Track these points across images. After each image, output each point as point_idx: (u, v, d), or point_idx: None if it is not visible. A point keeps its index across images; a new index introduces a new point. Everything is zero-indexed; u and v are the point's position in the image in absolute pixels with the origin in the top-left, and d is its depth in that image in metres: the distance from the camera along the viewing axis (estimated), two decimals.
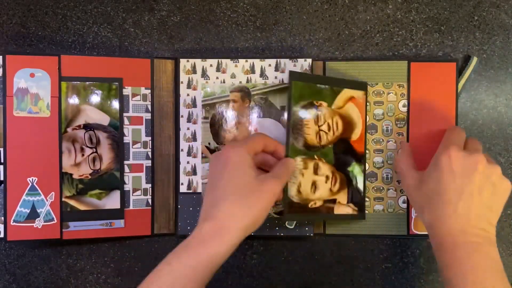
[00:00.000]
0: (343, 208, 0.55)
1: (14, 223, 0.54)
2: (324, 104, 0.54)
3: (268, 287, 0.59)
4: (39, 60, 0.54)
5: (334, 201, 0.55)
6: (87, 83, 0.55)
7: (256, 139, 0.48)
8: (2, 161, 0.55)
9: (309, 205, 0.53)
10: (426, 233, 0.56)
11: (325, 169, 0.54)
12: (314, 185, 0.53)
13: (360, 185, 0.56)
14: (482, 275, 0.42)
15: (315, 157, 0.53)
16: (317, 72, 0.57)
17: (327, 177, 0.54)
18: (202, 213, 0.44)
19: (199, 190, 0.57)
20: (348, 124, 0.56)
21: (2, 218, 0.55)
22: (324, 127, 0.54)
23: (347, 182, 0.55)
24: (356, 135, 0.56)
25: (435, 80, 0.57)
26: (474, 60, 0.57)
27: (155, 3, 0.59)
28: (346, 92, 0.55)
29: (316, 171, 0.53)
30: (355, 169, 0.56)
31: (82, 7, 0.58)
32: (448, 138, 0.50)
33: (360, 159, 0.56)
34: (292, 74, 0.52)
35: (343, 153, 0.55)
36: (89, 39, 0.58)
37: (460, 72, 0.57)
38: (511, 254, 0.59)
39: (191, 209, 0.57)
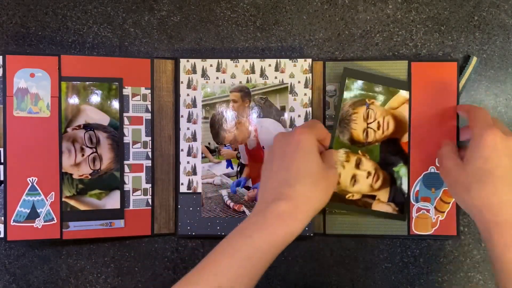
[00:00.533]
0: (383, 205, 0.56)
1: (14, 223, 0.54)
2: (377, 103, 0.56)
3: (268, 287, 0.59)
4: (39, 60, 0.54)
5: (373, 197, 0.56)
6: (87, 83, 0.55)
7: (320, 126, 0.49)
8: (2, 161, 0.55)
9: (346, 196, 0.55)
10: (427, 233, 0.56)
11: (368, 165, 0.56)
12: (354, 178, 0.56)
13: (405, 187, 0.57)
14: None
15: (359, 152, 0.56)
16: (316, 72, 0.57)
17: (368, 173, 0.56)
18: (272, 192, 0.44)
19: (199, 190, 0.57)
20: (400, 125, 0.57)
21: (2, 218, 0.55)
22: (373, 125, 0.56)
23: (391, 181, 0.56)
24: (406, 137, 0.57)
25: (436, 80, 0.56)
26: (474, 60, 0.57)
27: (155, 3, 0.59)
28: (402, 94, 0.56)
29: (358, 165, 0.56)
30: (401, 170, 0.57)
31: (82, 7, 0.58)
32: (482, 118, 0.48)
33: (407, 160, 0.57)
34: (346, 70, 0.54)
35: (390, 153, 0.56)
36: (89, 39, 0.58)
37: (460, 72, 0.57)
38: None
39: (191, 209, 0.57)
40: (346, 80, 0.55)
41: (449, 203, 0.57)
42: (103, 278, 0.58)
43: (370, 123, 0.56)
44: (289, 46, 0.59)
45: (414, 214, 0.57)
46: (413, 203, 0.57)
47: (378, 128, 0.56)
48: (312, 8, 0.59)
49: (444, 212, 0.57)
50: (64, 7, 0.58)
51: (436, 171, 0.57)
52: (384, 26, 0.59)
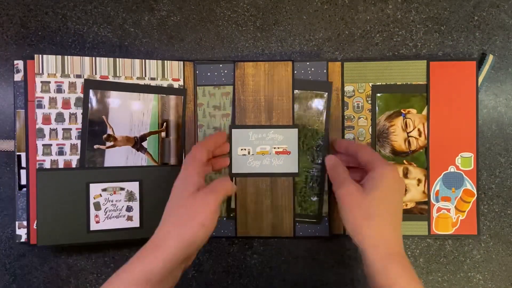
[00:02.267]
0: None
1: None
2: (413, 111, 0.57)
3: (268, 287, 0.59)
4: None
5: (426, 202, 0.57)
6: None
7: (226, 191, 0.47)
8: (24, 165, 0.55)
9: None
10: (447, 233, 0.57)
11: (416, 172, 0.57)
12: (405, 188, 0.57)
13: None
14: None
15: (404, 161, 0.57)
16: (333, 72, 0.57)
17: (419, 180, 0.57)
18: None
19: None
20: None
21: (25, 222, 0.55)
22: (414, 133, 0.57)
23: None
24: None
25: (455, 79, 0.57)
26: (490, 58, 0.57)
27: (155, 3, 0.59)
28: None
29: (406, 175, 0.57)
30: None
31: (82, 7, 0.58)
32: (377, 154, 0.50)
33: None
34: (374, 88, 0.56)
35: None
36: (89, 39, 0.58)
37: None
38: (511, 254, 0.59)
39: None
40: (377, 96, 0.57)
41: (470, 202, 0.57)
42: (103, 278, 0.58)
43: (410, 131, 0.57)
44: (289, 46, 0.59)
45: (434, 214, 0.57)
46: (434, 202, 0.57)
47: (420, 135, 0.57)
48: (312, 8, 0.59)
49: (464, 211, 0.57)
50: (64, 7, 0.58)
51: (457, 171, 0.57)
52: (384, 26, 0.59)
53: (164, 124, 0.57)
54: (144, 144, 0.57)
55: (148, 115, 0.57)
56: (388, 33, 0.59)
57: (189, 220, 0.44)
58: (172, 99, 0.57)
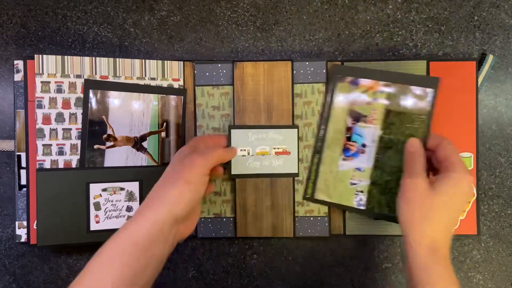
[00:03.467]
0: None
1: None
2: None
3: (268, 287, 0.59)
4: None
5: None
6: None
7: (215, 155, 0.48)
8: (24, 165, 0.55)
9: None
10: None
11: None
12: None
13: None
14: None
15: None
16: (332, 72, 0.57)
17: None
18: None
19: None
20: None
21: (25, 222, 0.55)
22: None
23: None
24: None
25: (455, 79, 0.57)
26: (490, 58, 0.57)
27: (155, 3, 0.59)
28: None
29: None
30: None
31: (82, 7, 0.58)
32: (460, 159, 0.48)
33: None
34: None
35: None
36: (89, 39, 0.58)
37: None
38: (511, 254, 0.59)
39: None
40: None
41: (469, 202, 0.57)
42: None
43: None
44: (289, 46, 0.59)
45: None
46: None
47: None
48: (312, 8, 0.59)
49: (464, 211, 0.57)
50: (64, 7, 0.58)
51: None
52: (384, 26, 0.59)
53: (164, 124, 0.57)
54: (144, 144, 0.57)
55: (148, 115, 0.57)
56: (388, 33, 0.59)
57: (176, 179, 0.44)
58: (172, 99, 0.57)
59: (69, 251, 0.58)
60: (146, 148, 0.57)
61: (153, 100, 0.57)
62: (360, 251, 0.59)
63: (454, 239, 0.58)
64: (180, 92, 0.58)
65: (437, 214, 0.45)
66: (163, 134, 0.57)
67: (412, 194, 0.47)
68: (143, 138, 0.57)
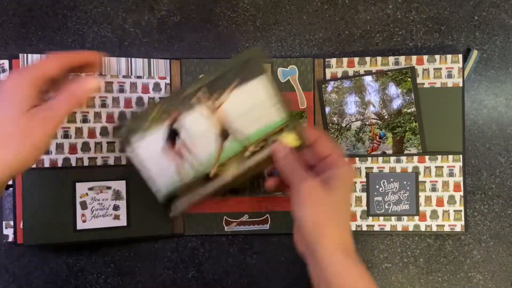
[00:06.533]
0: None
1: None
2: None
3: (268, 287, 0.59)
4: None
5: None
6: None
7: (49, 61, 0.41)
8: None
9: None
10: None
11: None
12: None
13: None
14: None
15: None
16: (318, 69, 0.58)
17: None
18: None
19: None
20: None
21: (12, 222, 0.55)
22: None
23: None
24: None
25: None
26: (475, 53, 0.57)
27: (155, 3, 0.59)
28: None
29: None
30: None
31: (82, 7, 0.58)
32: (341, 151, 0.48)
33: None
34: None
35: None
36: (89, 39, 0.58)
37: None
38: (511, 254, 0.59)
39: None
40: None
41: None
42: (103, 278, 0.58)
43: None
44: (289, 46, 0.59)
45: None
46: None
47: None
48: (312, 8, 0.59)
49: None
50: (64, 7, 0.58)
51: None
52: (384, 26, 0.59)
53: None
54: None
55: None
56: (388, 33, 0.59)
57: (22, 144, 0.38)
58: None
59: (69, 251, 0.58)
60: None
61: None
62: (360, 251, 0.59)
63: (454, 239, 0.58)
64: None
65: (340, 211, 0.44)
66: None
67: (312, 197, 0.44)
68: None
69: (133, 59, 0.56)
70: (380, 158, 0.58)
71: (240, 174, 0.48)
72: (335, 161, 0.45)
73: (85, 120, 0.56)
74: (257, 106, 0.47)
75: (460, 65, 0.57)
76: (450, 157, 0.57)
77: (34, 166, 0.54)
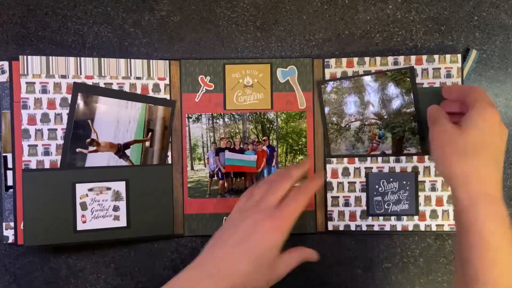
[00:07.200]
0: None
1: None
2: None
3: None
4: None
5: None
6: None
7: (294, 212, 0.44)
8: (10, 166, 0.55)
9: None
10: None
11: None
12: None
13: None
14: None
15: None
16: (317, 70, 0.58)
17: None
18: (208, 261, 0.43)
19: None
20: None
21: (12, 223, 0.55)
22: None
23: None
24: None
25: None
26: (474, 53, 0.57)
27: (155, 3, 0.59)
28: None
29: None
30: None
31: (82, 7, 0.58)
32: (485, 95, 0.47)
33: None
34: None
35: None
36: (89, 39, 0.58)
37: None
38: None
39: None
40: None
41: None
42: (103, 278, 0.58)
43: None
44: (289, 46, 0.59)
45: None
46: None
47: None
48: (312, 8, 0.59)
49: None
50: (64, 7, 0.58)
51: None
52: (384, 26, 0.59)
53: (150, 133, 0.57)
54: (127, 152, 0.56)
55: (134, 123, 0.56)
56: (388, 33, 0.59)
57: (261, 277, 0.43)
58: (160, 109, 0.57)
59: (69, 251, 0.58)
60: (128, 156, 0.56)
61: (140, 108, 0.56)
62: (360, 250, 0.59)
63: (453, 239, 0.58)
64: (169, 103, 0.57)
65: (471, 150, 0.43)
66: (147, 143, 0.57)
67: (441, 138, 0.46)
68: (127, 146, 0.56)
69: (132, 60, 0.56)
70: (380, 158, 0.58)
71: None
72: (472, 102, 0.46)
73: None
74: None
75: (459, 65, 0.57)
76: None
77: (34, 167, 0.54)
